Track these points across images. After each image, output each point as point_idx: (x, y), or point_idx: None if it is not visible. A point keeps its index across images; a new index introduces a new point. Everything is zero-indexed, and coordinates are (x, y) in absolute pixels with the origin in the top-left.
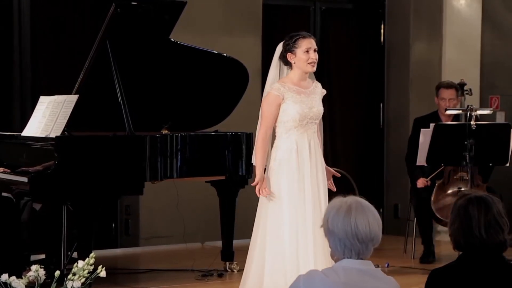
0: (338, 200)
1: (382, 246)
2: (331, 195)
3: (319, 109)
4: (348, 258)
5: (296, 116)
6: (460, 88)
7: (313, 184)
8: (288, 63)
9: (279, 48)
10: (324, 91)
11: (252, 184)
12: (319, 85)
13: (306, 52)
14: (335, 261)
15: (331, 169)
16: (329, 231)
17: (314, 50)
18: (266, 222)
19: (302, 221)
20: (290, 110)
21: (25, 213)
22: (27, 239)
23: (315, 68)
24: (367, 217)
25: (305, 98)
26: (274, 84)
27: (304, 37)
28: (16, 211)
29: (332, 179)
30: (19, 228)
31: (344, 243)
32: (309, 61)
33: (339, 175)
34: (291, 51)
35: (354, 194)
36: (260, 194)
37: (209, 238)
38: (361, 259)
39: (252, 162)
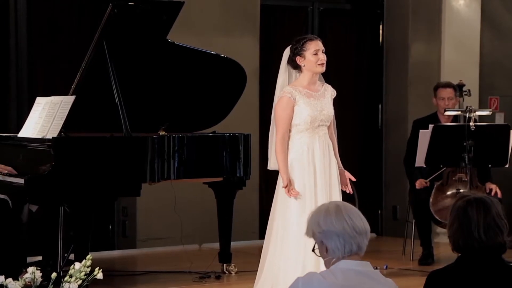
0: (320, 206)
1: (381, 247)
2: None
3: (329, 111)
4: (348, 255)
5: (308, 119)
6: (459, 89)
7: (325, 186)
8: (297, 67)
9: (287, 52)
10: (335, 93)
11: (281, 187)
12: (329, 87)
13: (315, 54)
14: (332, 264)
15: (347, 173)
16: (324, 234)
17: (322, 51)
18: (278, 223)
19: None
20: (302, 113)
21: (23, 215)
22: (24, 241)
23: (324, 68)
24: (357, 212)
25: (314, 101)
26: (285, 88)
27: (311, 39)
28: (13, 213)
29: (348, 182)
30: (15, 230)
31: (343, 238)
32: (319, 62)
33: (354, 179)
34: (300, 55)
35: (353, 196)
36: (290, 195)
37: (207, 240)
38: (359, 254)
39: (268, 168)
